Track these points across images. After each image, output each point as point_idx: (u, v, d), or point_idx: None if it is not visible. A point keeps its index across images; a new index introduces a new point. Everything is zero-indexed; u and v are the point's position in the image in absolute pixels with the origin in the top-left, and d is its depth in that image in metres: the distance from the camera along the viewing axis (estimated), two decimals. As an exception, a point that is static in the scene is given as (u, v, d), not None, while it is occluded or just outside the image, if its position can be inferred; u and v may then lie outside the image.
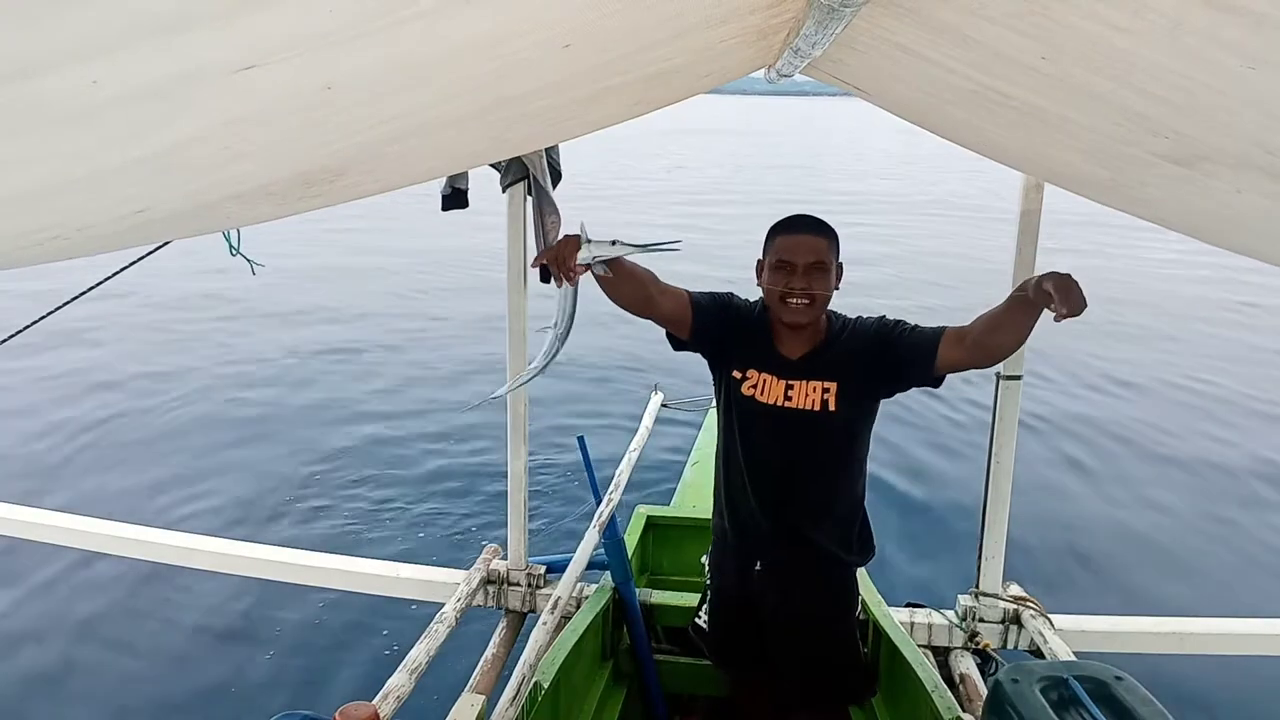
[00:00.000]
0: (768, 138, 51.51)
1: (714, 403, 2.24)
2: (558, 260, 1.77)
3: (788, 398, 2.00)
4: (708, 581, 2.31)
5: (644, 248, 1.81)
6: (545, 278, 2.96)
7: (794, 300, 1.93)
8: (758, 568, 2.13)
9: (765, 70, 1.87)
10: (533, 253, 2.92)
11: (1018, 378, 2.76)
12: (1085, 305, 1.65)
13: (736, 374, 2.06)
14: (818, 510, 2.07)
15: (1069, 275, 1.67)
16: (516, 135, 1.99)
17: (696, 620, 2.34)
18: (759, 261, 2.04)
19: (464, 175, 2.82)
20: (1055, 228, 3.19)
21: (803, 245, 1.93)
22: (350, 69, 0.87)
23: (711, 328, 2.05)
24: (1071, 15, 0.87)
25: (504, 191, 2.86)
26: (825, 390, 1.98)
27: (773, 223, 2.04)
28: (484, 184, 2.88)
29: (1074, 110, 1.27)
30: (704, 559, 2.34)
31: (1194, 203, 1.46)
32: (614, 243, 1.80)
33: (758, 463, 2.07)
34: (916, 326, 2.02)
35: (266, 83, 0.79)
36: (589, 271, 1.82)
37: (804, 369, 2.00)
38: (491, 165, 2.77)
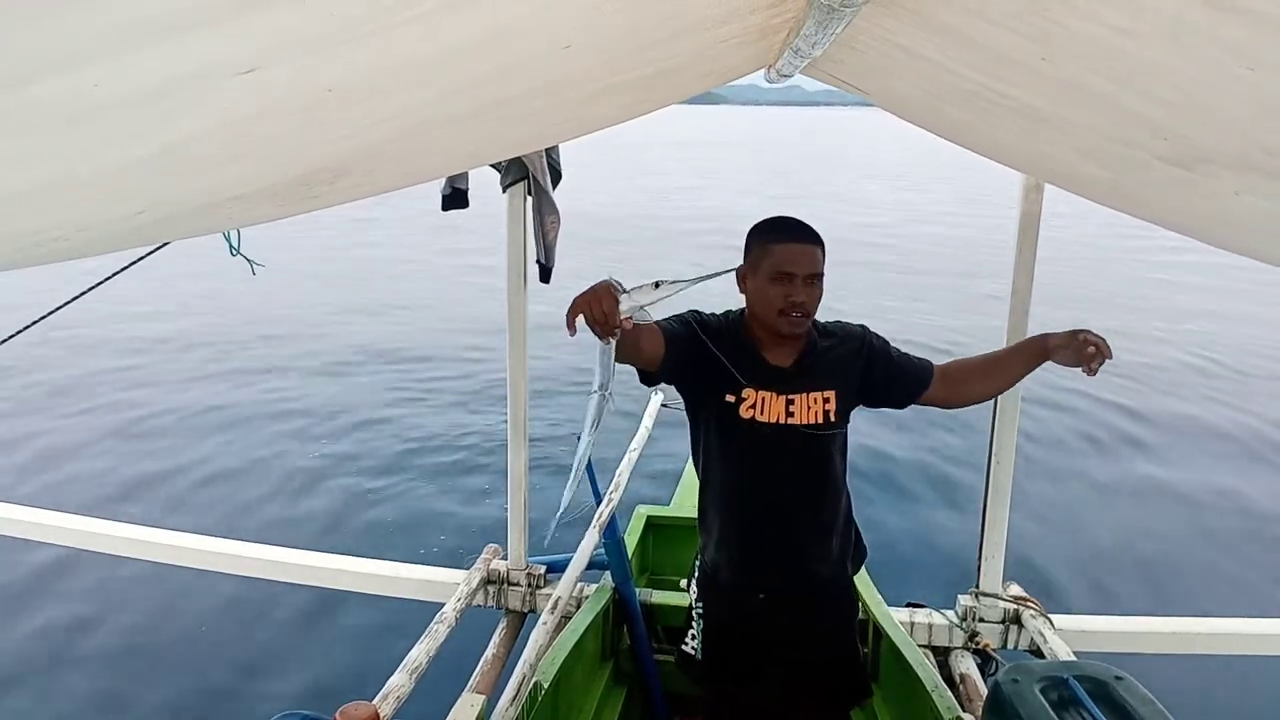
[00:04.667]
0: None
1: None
2: (596, 318, 1.56)
3: (789, 414, 1.90)
4: (696, 610, 2.14)
5: (696, 282, 1.62)
6: (545, 278, 2.97)
7: (795, 313, 1.84)
8: (761, 596, 2.03)
9: (766, 70, 1.87)
10: (533, 253, 2.92)
11: (1018, 378, 2.75)
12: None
13: (730, 397, 1.90)
14: (825, 528, 2.00)
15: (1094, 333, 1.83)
16: (517, 135, 1.99)
17: (683, 649, 2.19)
18: (740, 269, 1.91)
19: (464, 175, 2.82)
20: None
21: (804, 255, 1.84)
22: (351, 70, 0.87)
23: (685, 358, 1.88)
24: (1071, 16, 0.87)
25: (504, 191, 2.86)
26: (825, 400, 1.91)
27: (757, 225, 1.92)
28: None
29: (1074, 111, 1.27)
30: (683, 583, 2.22)
31: (1194, 204, 1.46)
32: (657, 284, 1.60)
33: (765, 489, 1.95)
34: (901, 351, 2.02)
35: (268, 84, 0.79)
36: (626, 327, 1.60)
37: (800, 377, 1.92)
38: (491, 165, 2.77)
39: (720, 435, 1.97)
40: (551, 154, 2.81)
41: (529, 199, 2.84)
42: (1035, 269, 2.69)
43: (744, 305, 1.96)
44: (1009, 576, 2.99)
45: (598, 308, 1.56)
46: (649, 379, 1.91)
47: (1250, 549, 5.04)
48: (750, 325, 1.94)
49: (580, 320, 1.57)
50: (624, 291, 1.59)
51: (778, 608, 2.03)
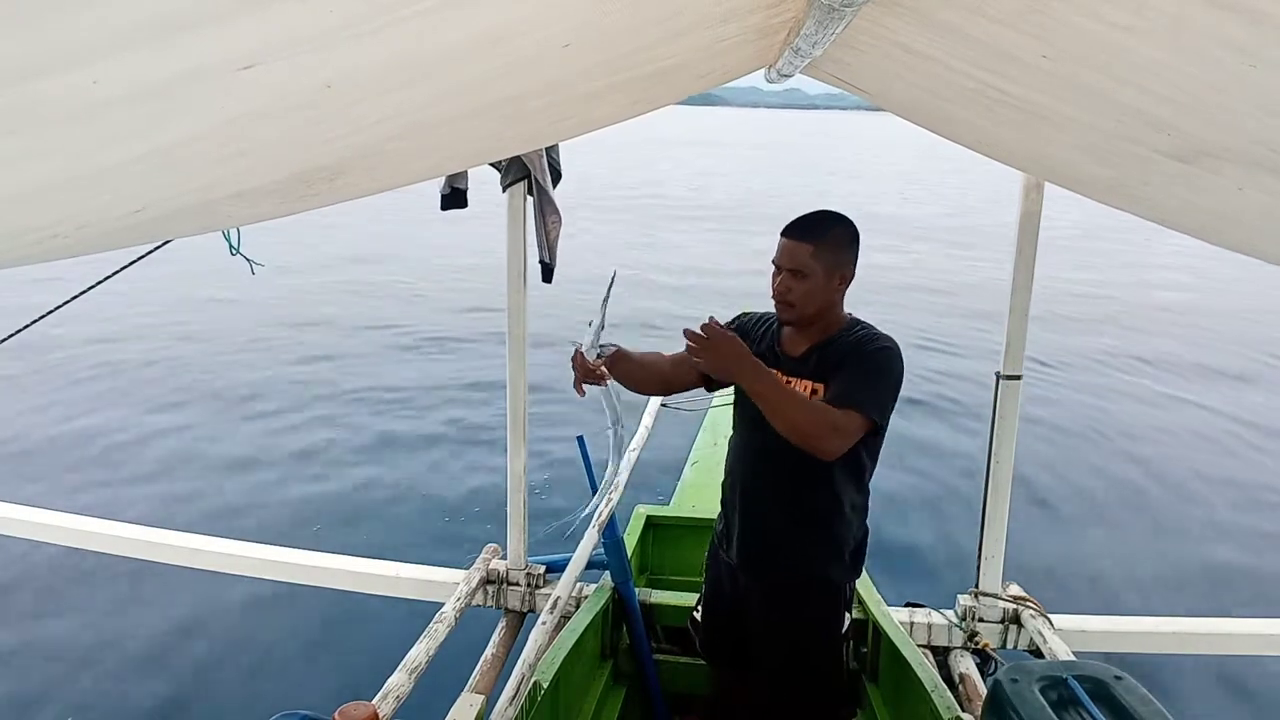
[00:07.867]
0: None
1: (713, 403, 2.26)
2: (582, 376, 2.01)
3: None
4: (703, 577, 2.33)
5: (604, 302, 2.00)
6: (547, 277, 2.97)
7: (777, 300, 2.01)
8: (742, 580, 2.13)
9: (766, 70, 1.87)
10: (533, 251, 2.92)
11: (1018, 378, 2.76)
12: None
13: None
14: (806, 516, 2.03)
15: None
16: (516, 134, 1.99)
17: (695, 614, 2.37)
18: None
19: (463, 175, 2.81)
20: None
21: (783, 249, 1.97)
22: (350, 68, 0.87)
23: None
24: (1073, 14, 0.87)
25: (504, 191, 2.86)
26: (814, 391, 1.94)
27: None
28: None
29: (1075, 108, 1.27)
30: (707, 555, 2.34)
31: (1195, 200, 1.46)
32: (590, 323, 1.98)
33: (755, 462, 2.08)
34: (872, 376, 1.92)
35: (267, 82, 0.79)
36: (606, 363, 2.03)
37: (801, 366, 2.00)
38: (491, 165, 2.77)
39: (736, 406, 2.15)
40: (551, 153, 2.81)
41: (529, 199, 2.84)
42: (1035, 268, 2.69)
43: None
44: (1009, 576, 2.99)
45: (579, 369, 2.01)
46: (706, 387, 2.18)
47: (1256, 545, 5.04)
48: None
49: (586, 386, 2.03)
50: (581, 345, 2.00)
51: (758, 588, 2.12)
